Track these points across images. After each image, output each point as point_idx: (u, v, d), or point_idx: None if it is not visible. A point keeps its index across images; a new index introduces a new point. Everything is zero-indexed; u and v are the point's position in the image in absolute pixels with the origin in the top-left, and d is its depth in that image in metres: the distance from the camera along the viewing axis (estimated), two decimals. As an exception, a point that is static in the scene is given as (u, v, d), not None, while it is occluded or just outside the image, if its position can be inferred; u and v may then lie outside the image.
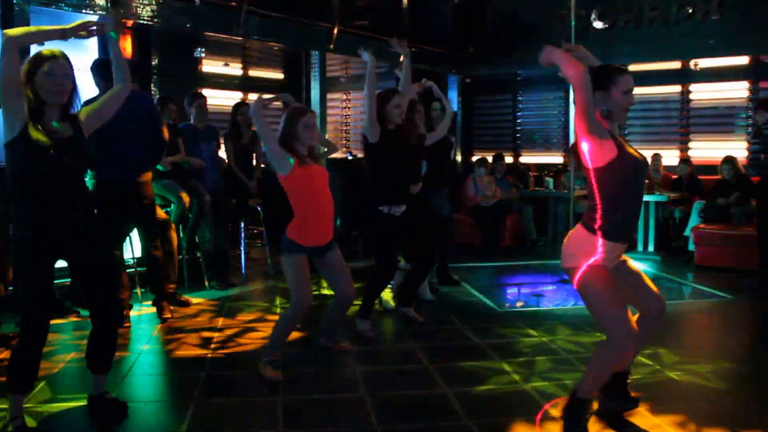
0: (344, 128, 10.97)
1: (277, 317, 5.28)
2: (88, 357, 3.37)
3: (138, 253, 5.68)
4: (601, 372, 3.01)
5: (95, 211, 3.43)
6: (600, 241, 2.97)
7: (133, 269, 5.70)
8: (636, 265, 3.24)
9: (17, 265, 3.14)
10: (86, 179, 3.45)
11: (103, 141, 4.80)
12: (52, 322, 4.83)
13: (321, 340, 4.45)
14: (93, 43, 6.32)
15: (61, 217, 3.10)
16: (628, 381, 3.37)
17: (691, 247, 7.72)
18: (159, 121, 5.21)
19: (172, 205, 5.88)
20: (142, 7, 6.01)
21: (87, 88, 5.05)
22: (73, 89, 3.16)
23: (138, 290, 5.73)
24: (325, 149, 4.72)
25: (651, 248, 8.18)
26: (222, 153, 6.63)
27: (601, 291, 2.93)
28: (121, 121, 4.87)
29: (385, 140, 4.69)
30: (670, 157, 9.20)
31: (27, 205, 3.07)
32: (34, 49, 3.21)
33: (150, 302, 5.47)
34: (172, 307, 5.32)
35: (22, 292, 3.12)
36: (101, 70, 4.80)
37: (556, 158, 10.39)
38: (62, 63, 3.09)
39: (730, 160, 8.02)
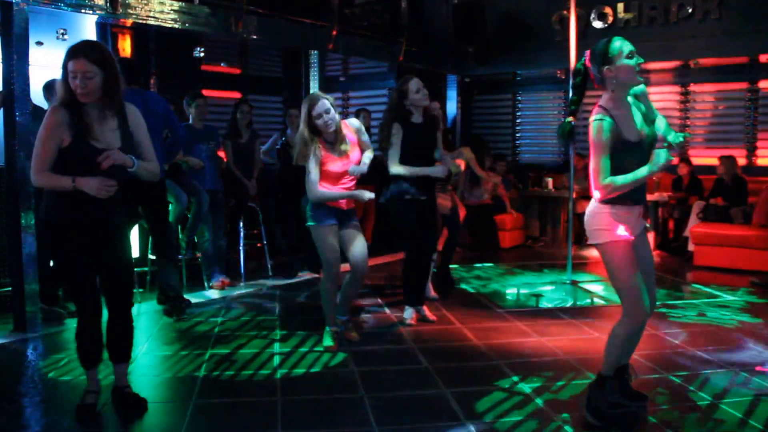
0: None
1: (276, 317, 5.31)
2: (108, 347, 3.39)
3: (135, 253, 5.66)
4: (618, 347, 3.19)
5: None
6: (612, 210, 3.08)
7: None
8: (653, 259, 3.37)
9: (56, 249, 3.22)
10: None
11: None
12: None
13: (337, 319, 4.58)
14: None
15: (102, 211, 3.17)
16: (631, 375, 3.38)
17: (691, 247, 7.72)
18: (174, 120, 5.33)
19: (171, 205, 5.87)
20: (141, 7, 5.99)
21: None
22: (109, 88, 3.10)
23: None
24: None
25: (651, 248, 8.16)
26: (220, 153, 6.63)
27: (623, 267, 3.10)
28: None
29: (407, 135, 4.84)
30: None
31: (67, 198, 3.09)
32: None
33: (149, 302, 5.46)
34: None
35: (66, 274, 3.25)
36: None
37: (555, 158, 10.39)
38: (82, 62, 3.01)
39: (727, 160, 8.01)
